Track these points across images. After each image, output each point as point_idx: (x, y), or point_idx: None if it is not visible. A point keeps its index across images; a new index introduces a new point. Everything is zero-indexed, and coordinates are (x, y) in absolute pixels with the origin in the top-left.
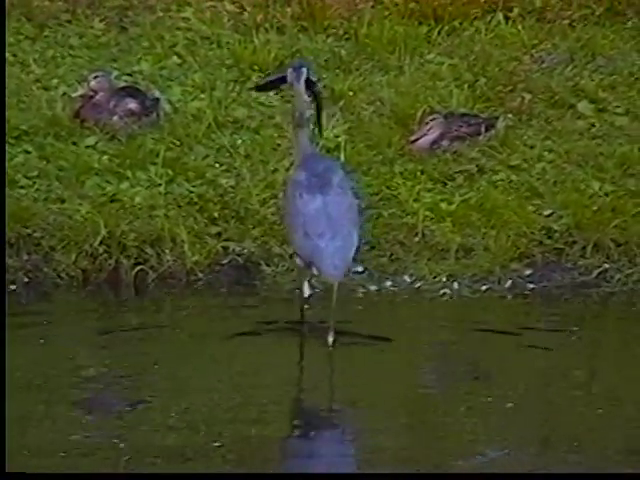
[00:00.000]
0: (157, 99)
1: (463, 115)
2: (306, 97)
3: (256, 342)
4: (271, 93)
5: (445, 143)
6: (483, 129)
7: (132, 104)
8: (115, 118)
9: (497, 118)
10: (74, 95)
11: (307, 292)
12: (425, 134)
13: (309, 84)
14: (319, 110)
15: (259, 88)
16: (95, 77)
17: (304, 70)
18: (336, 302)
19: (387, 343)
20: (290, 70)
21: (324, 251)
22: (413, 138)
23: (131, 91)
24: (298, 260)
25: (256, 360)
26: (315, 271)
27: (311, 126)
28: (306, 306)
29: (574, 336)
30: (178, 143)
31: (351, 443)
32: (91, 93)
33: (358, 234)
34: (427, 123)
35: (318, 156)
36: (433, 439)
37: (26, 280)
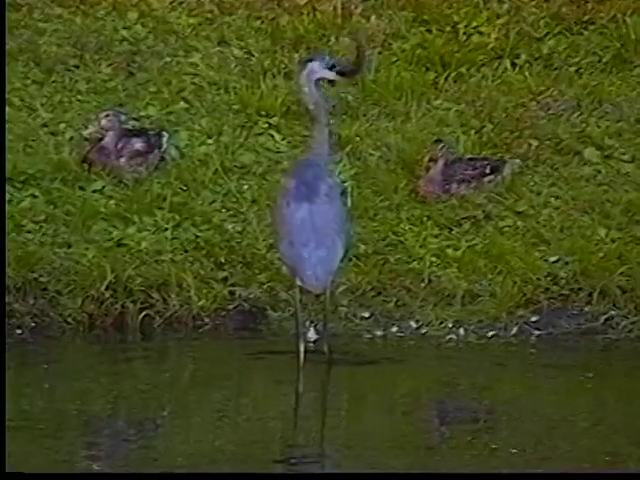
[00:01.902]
0: (161, 136)
1: (470, 159)
2: (313, 92)
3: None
4: (276, 137)
5: (454, 187)
6: (489, 171)
7: (138, 144)
8: (122, 160)
9: (504, 162)
10: (84, 134)
11: (313, 337)
12: (431, 179)
13: (339, 72)
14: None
15: None
16: (106, 115)
17: (310, 65)
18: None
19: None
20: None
21: (307, 261)
22: (419, 183)
23: (137, 131)
24: (284, 268)
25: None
26: (298, 281)
27: (327, 124)
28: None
29: (580, 382)
30: (185, 188)
31: None
32: (101, 132)
33: (344, 243)
34: (432, 167)
35: (311, 162)
36: None
37: (33, 324)
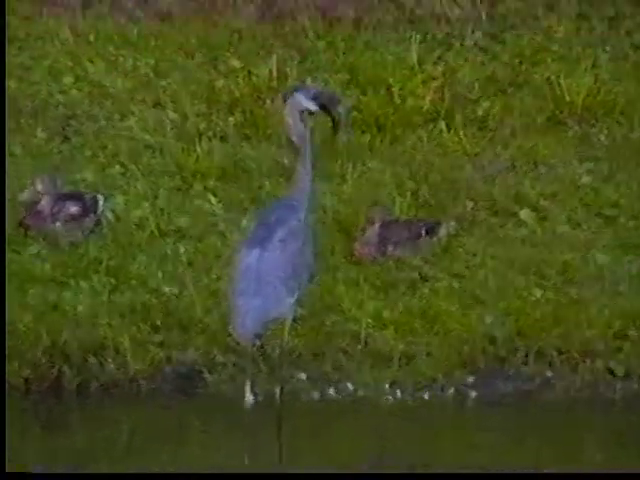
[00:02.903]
0: (97, 199)
1: (406, 221)
2: (297, 123)
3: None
4: (213, 200)
5: (389, 248)
6: (424, 233)
7: (74, 208)
8: (58, 224)
9: (439, 223)
10: (20, 198)
11: (249, 401)
12: (367, 241)
13: (324, 106)
14: (335, 130)
15: None
16: (42, 180)
17: (295, 95)
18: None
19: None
20: (281, 95)
21: (239, 309)
22: (355, 245)
23: (73, 195)
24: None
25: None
26: (230, 329)
27: (308, 156)
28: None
29: (516, 443)
30: (121, 252)
31: None
32: (37, 196)
33: (293, 291)
34: (368, 229)
35: (282, 204)
36: None
37: None
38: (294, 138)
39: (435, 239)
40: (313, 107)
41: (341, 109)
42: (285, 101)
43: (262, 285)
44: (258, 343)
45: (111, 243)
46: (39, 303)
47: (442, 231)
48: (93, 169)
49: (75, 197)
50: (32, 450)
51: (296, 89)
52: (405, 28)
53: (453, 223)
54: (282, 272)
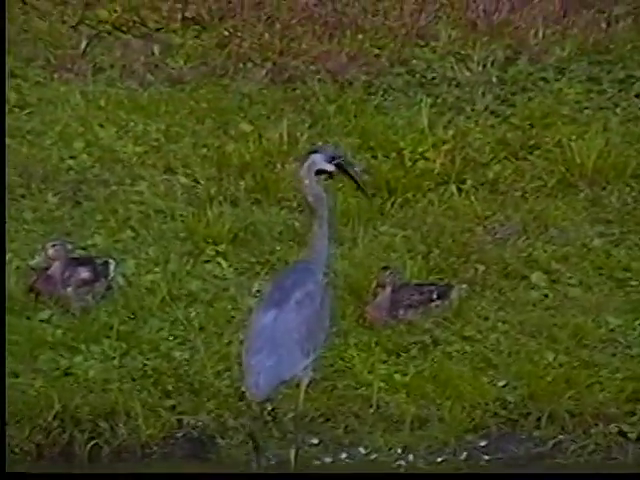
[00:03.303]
0: (108, 264)
1: (417, 284)
2: (313, 184)
3: None
4: (224, 264)
5: (401, 312)
6: (436, 296)
7: (85, 273)
8: (69, 290)
9: (451, 287)
10: (31, 263)
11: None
12: (379, 305)
13: (339, 166)
14: (358, 186)
15: None
16: (53, 245)
17: (312, 156)
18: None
19: None
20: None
21: (251, 368)
22: (367, 309)
23: (84, 260)
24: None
25: None
26: (243, 389)
27: (325, 218)
28: None
29: None
30: (132, 316)
31: None
32: (48, 262)
33: (309, 352)
34: (380, 293)
35: (299, 267)
36: None
37: None
38: (310, 199)
39: (447, 302)
40: (330, 168)
41: (358, 168)
42: (302, 164)
43: (277, 346)
44: (269, 406)
45: (122, 308)
46: (50, 368)
47: (454, 294)
48: (104, 234)
49: (86, 262)
50: None
51: (313, 150)
52: (416, 92)
53: (465, 286)
54: (297, 334)
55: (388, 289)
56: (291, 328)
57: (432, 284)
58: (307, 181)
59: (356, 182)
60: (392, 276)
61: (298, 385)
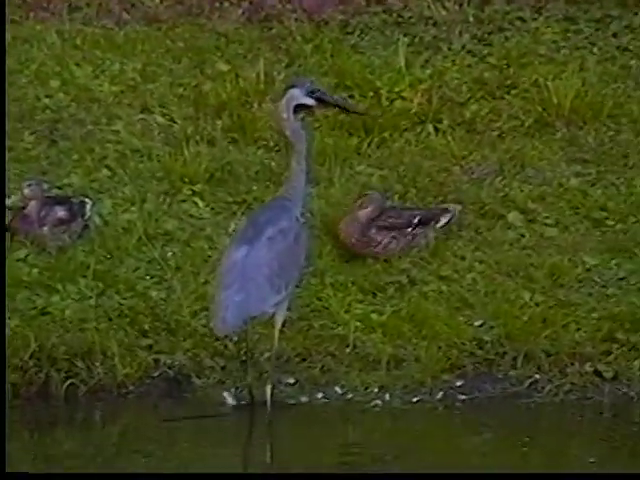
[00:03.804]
0: (84, 204)
1: (403, 209)
2: (291, 119)
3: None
4: (200, 204)
5: (372, 232)
6: (416, 222)
7: (61, 212)
8: (45, 229)
9: (445, 210)
10: (7, 202)
11: (231, 402)
12: (354, 220)
13: (321, 99)
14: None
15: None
16: (29, 184)
17: (290, 91)
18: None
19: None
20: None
21: (220, 303)
22: (341, 224)
23: (60, 199)
24: None
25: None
26: (210, 323)
27: (306, 154)
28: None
29: (504, 446)
30: (108, 256)
31: None
32: (24, 201)
33: (281, 288)
34: (358, 211)
35: (276, 203)
36: None
37: None
38: (289, 134)
39: (426, 232)
40: (310, 102)
41: (337, 97)
42: (280, 98)
43: (246, 281)
44: (236, 339)
45: (99, 247)
46: (26, 307)
47: (443, 220)
48: (80, 173)
49: (62, 201)
50: (20, 454)
51: (291, 85)
52: (392, 31)
53: (459, 207)
54: (267, 269)
55: (370, 208)
56: (261, 264)
57: (419, 209)
58: (285, 115)
59: (344, 108)
60: (377, 199)
61: (273, 325)
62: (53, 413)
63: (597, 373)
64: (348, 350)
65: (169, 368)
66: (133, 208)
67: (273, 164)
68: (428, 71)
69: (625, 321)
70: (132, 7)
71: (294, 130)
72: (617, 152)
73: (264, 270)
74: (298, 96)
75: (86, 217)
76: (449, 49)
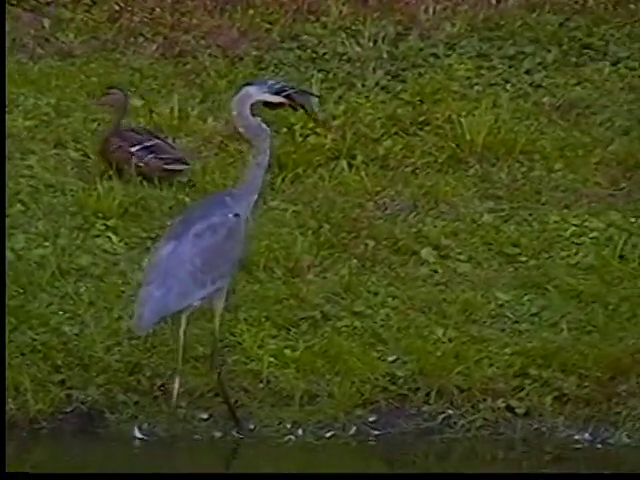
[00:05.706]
0: None
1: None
2: (244, 115)
3: None
4: (114, 239)
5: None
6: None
7: None
8: None
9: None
10: None
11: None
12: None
13: (287, 96)
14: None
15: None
16: None
17: (245, 88)
18: None
19: None
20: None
21: (140, 299)
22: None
23: None
24: None
25: None
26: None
27: (260, 150)
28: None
29: None
30: (22, 291)
31: None
32: None
33: (206, 284)
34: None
35: (211, 200)
36: None
37: None
38: (242, 130)
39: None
40: (277, 99)
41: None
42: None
43: (168, 277)
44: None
45: (11, 282)
46: None
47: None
48: None
49: None
50: None
51: (247, 83)
52: (307, 67)
53: (355, 261)
54: (190, 265)
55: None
56: (185, 260)
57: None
58: (236, 112)
59: (305, 108)
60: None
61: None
62: (77, 474)
63: (509, 409)
64: (261, 385)
65: (82, 403)
66: (46, 243)
67: (187, 200)
68: (342, 107)
69: (537, 357)
70: (46, 42)
71: (249, 127)
72: (530, 188)
73: (187, 266)
74: (254, 93)
75: None
76: (363, 85)
